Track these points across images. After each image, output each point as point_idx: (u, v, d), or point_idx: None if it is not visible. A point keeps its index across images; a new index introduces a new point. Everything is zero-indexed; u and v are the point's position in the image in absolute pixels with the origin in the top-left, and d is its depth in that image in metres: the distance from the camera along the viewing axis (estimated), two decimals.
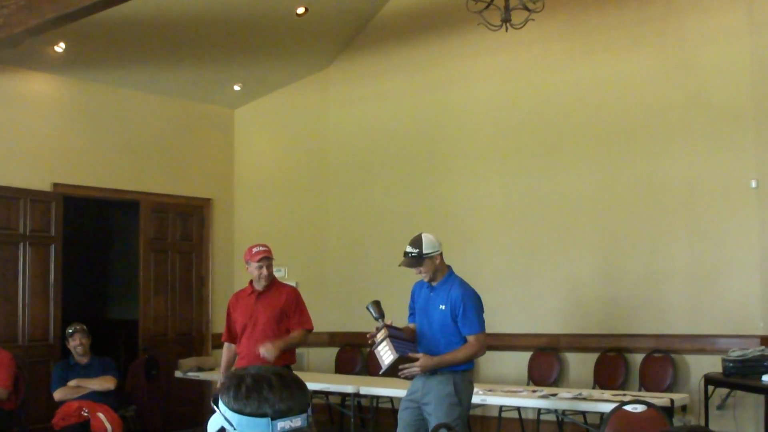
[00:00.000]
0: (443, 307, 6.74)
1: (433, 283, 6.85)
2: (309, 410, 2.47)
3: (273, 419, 2.38)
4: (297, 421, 2.41)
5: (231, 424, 2.42)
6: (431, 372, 6.67)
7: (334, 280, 12.91)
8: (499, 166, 11.58)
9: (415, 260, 6.71)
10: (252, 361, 7.60)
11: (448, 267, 6.92)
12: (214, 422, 2.50)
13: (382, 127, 12.79)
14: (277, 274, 12.23)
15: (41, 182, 11.01)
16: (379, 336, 6.60)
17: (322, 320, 12.76)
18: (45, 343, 10.85)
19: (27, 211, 10.77)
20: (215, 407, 2.49)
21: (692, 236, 10.09)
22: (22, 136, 10.92)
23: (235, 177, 13.27)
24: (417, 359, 6.55)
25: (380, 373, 6.82)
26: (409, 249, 6.74)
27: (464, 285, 6.87)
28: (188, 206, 12.65)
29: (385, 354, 6.57)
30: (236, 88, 12.66)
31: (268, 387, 2.42)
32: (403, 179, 12.44)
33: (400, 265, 6.86)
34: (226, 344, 7.96)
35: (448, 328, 6.72)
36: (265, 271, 7.64)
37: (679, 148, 10.20)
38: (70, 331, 8.92)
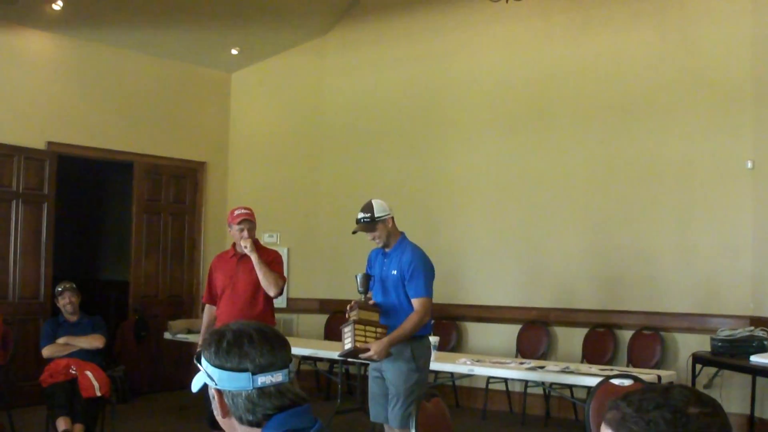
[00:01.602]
0: (395, 272, 6.76)
1: (387, 249, 6.87)
2: (290, 366, 2.47)
3: (254, 374, 2.39)
4: (278, 376, 2.42)
5: (213, 380, 2.42)
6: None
7: (326, 248, 12.90)
8: (494, 138, 11.57)
9: (368, 225, 6.75)
10: (229, 319, 7.57)
11: (401, 233, 6.92)
12: (197, 380, 2.51)
13: (378, 95, 12.76)
14: (269, 240, 12.38)
15: (35, 140, 10.98)
16: (351, 316, 6.62)
17: (313, 287, 12.83)
18: (35, 301, 10.86)
19: (20, 169, 10.75)
20: (198, 364, 2.50)
21: (686, 215, 10.09)
22: (18, 94, 10.89)
23: (230, 141, 13.25)
24: (368, 349, 6.55)
25: (338, 355, 6.89)
26: (361, 215, 6.78)
27: (415, 249, 6.84)
28: (182, 169, 12.63)
29: (347, 340, 6.60)
30: (234, 52, 12.62)
31: (249, 342, 2.43)
32: (397, 148, 12.42)
33: (353, 232, 6.93)
34: (207, 306, 7.92)
35: (401, 292, 6.75)
36: (246, 233, 7.56)
37: (676, 126, 10.19)
38: (60, 289, 8.90)
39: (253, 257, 7.44)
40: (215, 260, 8.00)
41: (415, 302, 6.70)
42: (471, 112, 11.81)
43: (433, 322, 6.98)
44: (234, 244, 7.75)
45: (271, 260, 7.65)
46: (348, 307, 6.70)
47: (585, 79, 10.90)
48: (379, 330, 6.60)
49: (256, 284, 7.54)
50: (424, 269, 6.77)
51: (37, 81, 11.10)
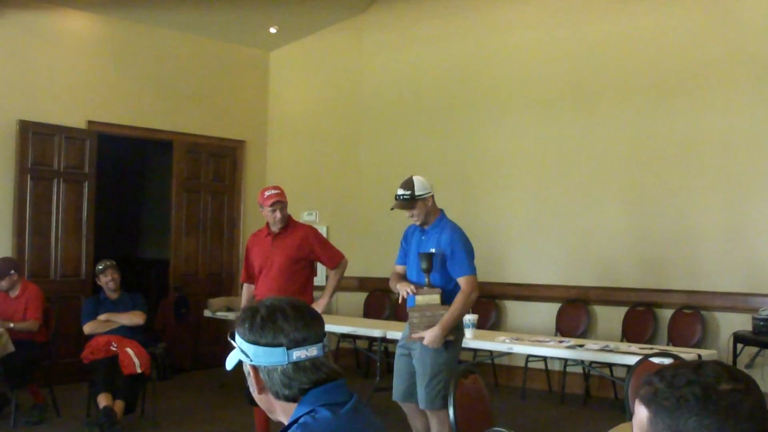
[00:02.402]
0: (433, 250, 6.70)
1: (425, 227, 6.83)
2: (324, 340, 2.48)
3: (288, 348, 2.40)
4: (313, 350, 2.43)
5: (248, 356, 2.43)
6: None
7: (364, 226, 12.91)
8: (533, 116, 11.51)
9: (408, 202, 6.69)
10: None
11: (440, 210, 6.88)
12: (232, 357, 2.53)
13: (416, 73, 12.73)
14: (308, 218, 12.41)
15: (76, 119, 11.05)
16: (419, 301, 6.63)
17: (351, 265, 12.72)
18: (77, 279, 10.95)
19: (62, 148, 10.82)
20: (232, 341, 2.50)
21: (727, 192, 9.99)
22: (59, 74, 10.97)
23: (268, 119, 13.27)
24: (423, 338, 6.56)
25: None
26: (400, 192, 6.71)
27: (455, 228, 6.81)
28: (221, 147, 12.67)
29: (414, 324, 6.63)
30: (272, 30, 12.62)
31: (283, 317, 2.44)
32: (436, 126, 12.38)
33: (392, 209, 6.85)
34: (245, 285, 7.93)
35: (438, 269, 6.70)
36: (278, 214, 7.49)
37: (718, 102, 10.07)
38: (101, 267, 8.96)
39: (322, 304, 7.45)
40: (251, 239, 7.97)
41: (461, 281, 6.69)
42: (510, 89, 11.75)
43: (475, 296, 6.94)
44: (267, 223, 7.72)
45: (316, 244, 7.68)
46: (408, 291, 6.69)
47: (626, 55, 10.80)
48: (439, 313, 6.60)
49: (292, 261, 7.53)
50: (465, 247, 6.74)
51: (77, 61, 11.17)
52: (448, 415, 6.32)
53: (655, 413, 1.78)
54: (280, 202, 7.52)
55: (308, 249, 7.58)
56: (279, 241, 7.58)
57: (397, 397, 6.92)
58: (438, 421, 6.56)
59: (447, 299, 6.69)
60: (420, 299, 6.64)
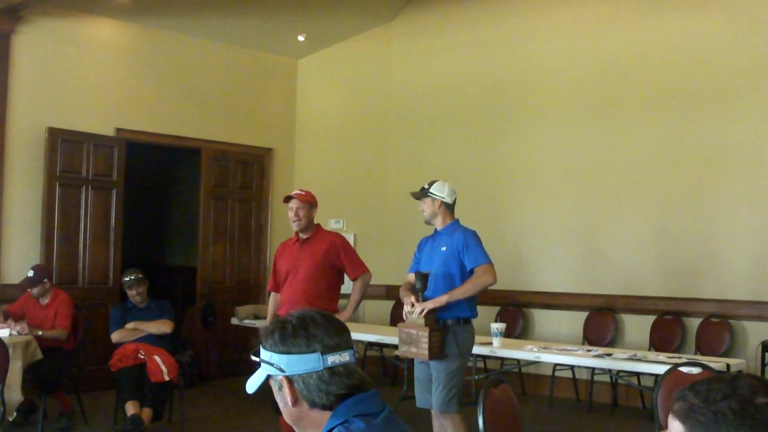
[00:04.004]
0: (444, 248, 6.92)
1: (438, 229, 7.07)
2: (354, 348, 2.49)
3: (323, 354, 2.40)
4: (345, 356, 2.43)
5: (280, 369, 2.42)
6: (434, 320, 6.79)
7: (392, 234, 12.89)
8: (561, 123, 11.49)
9: (421, 192, 7.04)
10: (292, 307, 7.59)
11: (455, 218, 7.10)
12: (256, 378, 2.51)
13: (445, 81, 12.72)
14: (335, 226, 12.41)
15: (105, 127, 11.11)
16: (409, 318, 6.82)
17: (379, 273, 12.77)
18: (104, 286, 11.00)
19: (90, 155, 10.88)
20: (256, 359, 2.50)
21: (755, 201, 9.94)
22: (88, 81, 11.03)
23: (296, 127, 13.29)
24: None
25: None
26: (425, 184, 7.07)
27: (467, 229, 7.01)
28: (249, 155, 12.70)
29: (402, 340, 6.86)
30: (300, 38, 12.65)
31: (314, 324, 2.44)
32: (464, 134, 12.38)
33: (411, 193, 7.22)
34: (272, 294, 7.92)
35: (450, 268, 6.87)
36: (293, 214, 7.52)
37: (745, 111, 10.04)
38: (127, 279, 8.99)
39: (345, 316, 7.36)
40: (279, 248, 7.96)
41: (479, 269, 6.81)
42: (537, 97, 11.74)
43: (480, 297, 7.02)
44: (297, 232, 7.72)
45: (342, 253, 7.61)
46: (411, 302, 6.79)
47: (652, 64, 10.77)
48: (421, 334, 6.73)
49: (319, 267, 7.50)
50: (478, 242, 6.91)
51: (106, 68, 11.23)
52: (463, 418, 6.40)
53: (691, 428, 1.77)
54: (295, 200, 7.54)
55: (335, 255, 7.56)
56: (307, 247, 7.58)
57: (420, 404, 7.06)
58: (452, 424, 6.70)
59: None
60: (410, 318, 6.79)
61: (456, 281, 6.82)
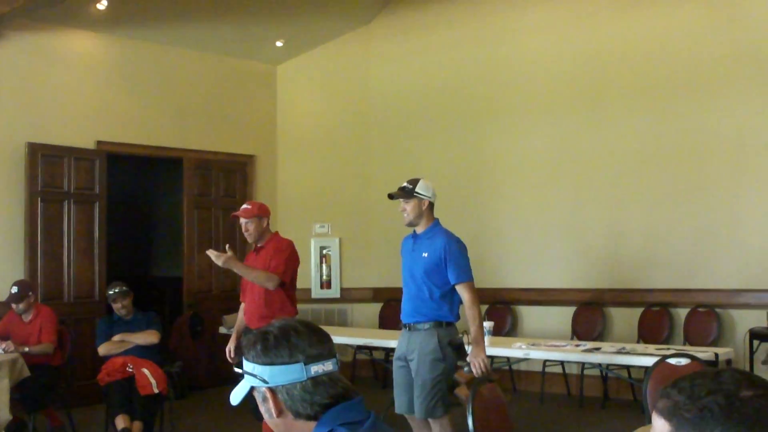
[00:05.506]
0: (426, 254, 6.72)
1: (418, 231, 6.85)
2: (337, 356, 2.46)
3: (306, 364, 2.38)
4: (329, 365, 2.42)
5: (263, 381, 2.41)
6: (412, 327, 6.75)
7: (377, 236, 12.87)
8: (543, 120, 11.51)
9: (406, 193, 6.75)
10: (251, 317, 7.62)
11: (435, 219, 6.88)
12: (239, 390, 2.51)
13: (425, 82, 12.72)
14: (320, 231, 12.39)
15: (85, 140, 11.07)
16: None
17: (366, 276, 12.83)
18: (90, 300, 10.95)
19: (71, 169, 10.83)
20: (239, 370, 2.49)
21: (738, 190, 9.98)
22: (66, 95, 10.99)
23: (278, 133, 13.27)
24: (471, 372, 6.56)
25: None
26: (405, 184, 6.80)
27: (449, 233, 6.81)
28: (231, 163, 12.67)
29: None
30: (278, 44, 12.63)
31: (296, 334, 2.43)
32: (446, 135, 12.38)
33: (389, 195, 6.90)
34: (242, 305, 7.97)
35: (431, 275, 6.70)
36: (243, 229, 7.65)
37: (727, 102, 10.08)
38: (111, 293, 8.97)
39: (233, 268, 7.46)
40: (246, 258, 8.03)
41: (461, 288, 6.67)
42: (518, 95, 11.75)
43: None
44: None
45: (273, 252, 7.63)
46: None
47: (632, 58, 10.81)
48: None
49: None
50: (462, 253, 6.73)
51: (84, 81, 11.19)
52: (451, 420, 6.33)
53: (678, 426, 1.76)
54: (240, 218, 7.64)
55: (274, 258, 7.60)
56: (259, 256, 7.64)
57: (400, 409, 6.90)
58: (440, 427, 6.60)
59: (442, 302, 6.72)
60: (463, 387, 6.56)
61: (435, 293, 6.68)
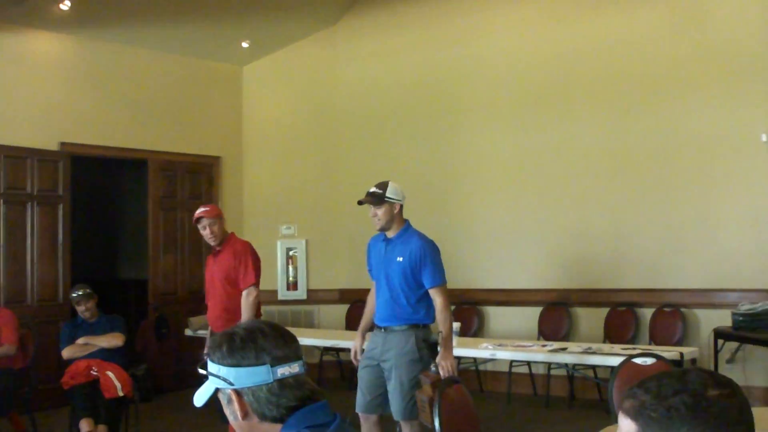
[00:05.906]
0: (401, 258, 6.66)
1: (390, 235, 6.76)
2: (303, 358, 2.45)
3: (272, 366, 2.36)
4: (295, 367, 2.40)
5: (229, 382, 2.38)
6: (388, 328, 6.70)
7: (344, 237, 12.84)
8: (509, 120, 11.53)
9: (377, 199, 6.63)
10: (213, 322, 7.61)
11: (406, 221, 6.81)
12: (203, 391, 2.48)
13: (391, 82, 12.71)
14: (286, 232, 12.36)
15: (48, 141, 10.98)
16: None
17: (332, 278, 12.81)
18: (54, 303, 10.86)
19: (34, 171, 10.75)
20: (203, 371, 2.46)
21: (703, 190, 10.04)
22: (29, 96, 10.89)
23: (243, 134, 13.22)
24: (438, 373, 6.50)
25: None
26: (373, 189, 6.69)
27: (423, 236, 6.76)
28: (197, 164, 12.61)
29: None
30: (244, 44, 12.59)
31: (263, 335, 2.41)
32: (413, 135, 12.37)
33: (359, 202, 6.81)
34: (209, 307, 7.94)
35: (408, 279, 6.65)
36: (207, 231, 7.59)
37: (690, 102, 10.14)
38: (74, 296, 8.89)
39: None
40: (206, 263, 8.03)
41: (434, 292, 6.63)
42: (485, 95, 11.76)
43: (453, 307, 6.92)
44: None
45: (239, 263, 7.59)
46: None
47: (597, 59, 10.85)
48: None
49: (227, 280, 7.54)
50: (434, 256, 6.68)
51: (47, 82, 11.10)
52: (420, 423, 6.29)
53: (644, 426, 1.76)
54: (203, 218, 7.59)
55: (237, 264, 7.58)
56: (220, 259, 7.63)
57: (360, 409, 6.83)
58: (410, 429, 6.55)
59: (418, 306, 6.68)
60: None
61: (411, 298, 6.64)
